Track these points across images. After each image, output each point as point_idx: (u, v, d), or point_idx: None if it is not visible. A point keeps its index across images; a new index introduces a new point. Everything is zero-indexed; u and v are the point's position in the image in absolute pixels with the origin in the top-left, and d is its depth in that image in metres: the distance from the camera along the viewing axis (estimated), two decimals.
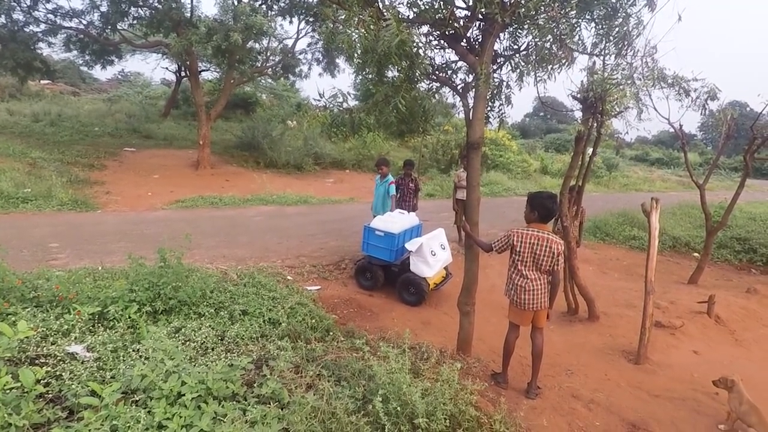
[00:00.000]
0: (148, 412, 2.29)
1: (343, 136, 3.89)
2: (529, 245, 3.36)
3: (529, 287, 3.40)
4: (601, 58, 4.03)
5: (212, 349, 3.31)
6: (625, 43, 3.59)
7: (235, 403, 2.52)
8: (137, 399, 2.42)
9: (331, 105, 3.73)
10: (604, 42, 3.63)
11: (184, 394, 2.40)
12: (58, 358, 2.77)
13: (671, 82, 6.81)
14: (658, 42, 5.38)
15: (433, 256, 5.51)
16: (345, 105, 3.79)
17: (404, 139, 20.30)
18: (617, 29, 3.45)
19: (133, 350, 2.99)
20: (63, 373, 2.57)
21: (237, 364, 2.84)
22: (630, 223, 10.86)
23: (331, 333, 4.11)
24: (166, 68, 21.62)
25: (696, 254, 8.97)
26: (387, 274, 5.86)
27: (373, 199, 7.28)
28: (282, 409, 2.54)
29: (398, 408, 2.54)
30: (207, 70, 20.43)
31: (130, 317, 3.53)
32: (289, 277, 5.81)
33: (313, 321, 4.24)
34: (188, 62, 13.52)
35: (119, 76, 30.81)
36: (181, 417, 2.28)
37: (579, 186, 5.47)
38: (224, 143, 16.97)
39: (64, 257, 5.88)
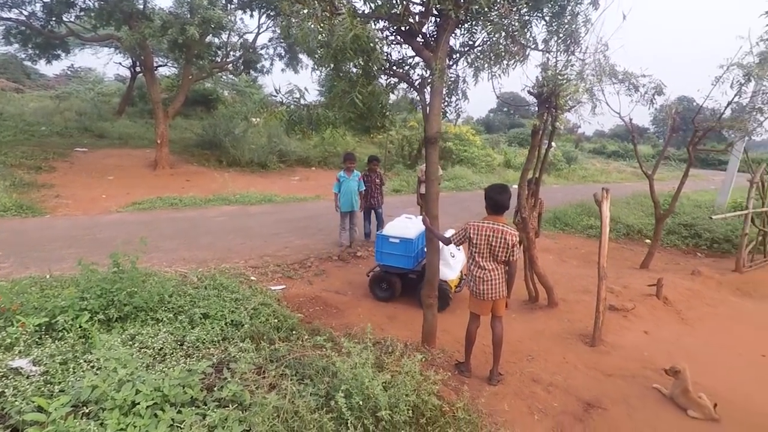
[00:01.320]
0: (101, 424, 2.21)
1: (302, 132, 3.84)
2: (484, 237, 3.44)
3: (486, 278, 3.48)
4: (553, 54, 4.15)
5: (171, 355, 3.22)
6: (573, 40, 3.71)
7: (194, 408, 2.47)
8: (88, 411, 2.33)
9: (288, 101, 3.68)
10: (554, 39, 3.74)
11: (138, 403, 2.33)
12: (0, 374, 2.62)
13: (622, 77, 7.15)
14: (608, 39, 5.62)
15: (453, 258, 5.39)
16: (302, 101, 3.75)
17: (370, 135, 20.28)
18: (566, 27, 3.56)
19: (85, 361, 2.87)
20: (5, 390, 2.44)
21: (196, 368, 2.78)
22: (588, 213, 11.28)
23: (295, 332, 4.08)
24: (120, 63, 20.70)
25: (648, 240, 9.42)
26: (404, 282, 5.57)
27: (338, 197, 7.24)
28: (244, 412, 2.51)
29: (361, 402, 2.55)
30: (164, 66, 19.72)
31: (81, 327, 3.38)
32: (252, 278, 5.71)
33: (277, 321, 4.19)
34: (143, 57, 12.98)
35: (68, 72, 29.16)
36: (135, 427, 2.22)
37: (536, 178, 5.63)
38: (184, 142, 16.43)
39: (7, 266, 5.55)
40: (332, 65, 3.47)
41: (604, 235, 4.53)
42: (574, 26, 3.56)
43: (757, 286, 6.83)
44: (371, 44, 3.04)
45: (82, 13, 12.27)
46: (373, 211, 7.86)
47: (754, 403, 3.55)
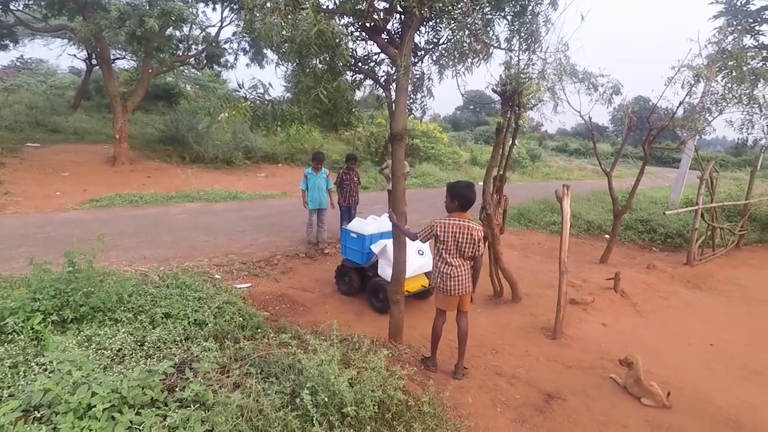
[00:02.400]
0: (53, 428, 2.12)
1: (267, 128, 3.79)
2: (451, 234, 3.48)
3: (454, 274, 3.53)
4: (515, 53, 4.25)
5: (130, 356, 3.12)
6: (534, 39, 3.82)
7: (154, 409, 2.40)
8: (40, 416, 2.23)
9: (252, 96, 3.62)
10: (516, 38, 3.83)
11: (94, 406, 2.24)
12: None
13: (582, 77, 7.40)
14: (568, 39, 5.79)
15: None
16: (267, 96, 3.70)
17: (337, 132, 20.19)
18: (527, 26, 3.65)
19: (36, 364, 2.74)
20: None
21: (156, 369, 2.70)
22: (551, 209, 11.61)
23: (261, 330, 4.04)
24: (74, 55, 19.76)
25: (607, 236, 9.80)
26: (362, 278, 5.54)
27: (306, 194, 7.17)
28: (206, 411, 2.46)
29: (326, 399, 2.55)
30: (122, 58, 18.97)
31: (32, 329, 3.23)
32: (217, 276, 5.60)
33: (242, 319, 4.13)
34: (99, 49, 12.43)
35: (17, 63, 27.51)
36: (91, 430, 2.13)
37: (501, 175, 5.77)
38: (145, 137, 15.88)
39: None
40: (297, 60, 3.44)
41: (565, 231, 4.69)
42: (534, 26, 3.66)
43: (705, 278, 7.23)
44: (336, 40, 3.03)
45: (31, 2, 11.63)
46: (350, 210, 7.82)
47: (701, 390, 3.76)
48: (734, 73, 6.72)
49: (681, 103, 7.00)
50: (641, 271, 7.11)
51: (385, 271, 4.99)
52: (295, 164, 17.26)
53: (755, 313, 5.87)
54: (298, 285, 5.86)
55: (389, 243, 4.85)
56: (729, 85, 6.72)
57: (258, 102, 3.66)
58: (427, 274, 5.36)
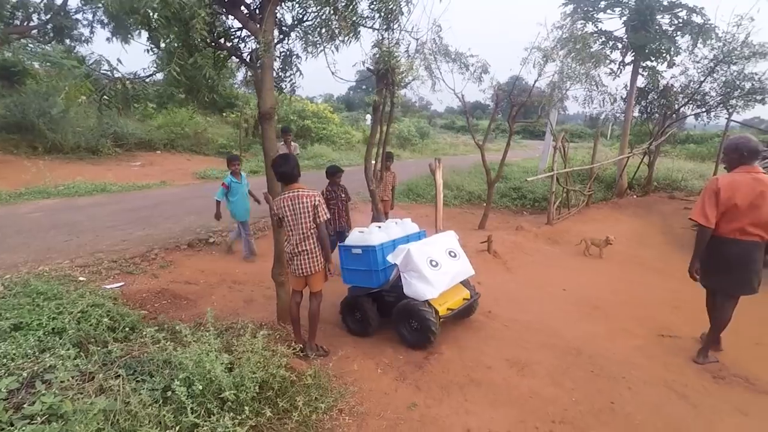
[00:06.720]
0: None
1: (118, 109, 3.44)
2: (287, 207, 3.39)
3: (295, 252, 3.47)
4: (381, 32, 4.37)
5: None
6: (392, 18, 3.95)
7: None
8: None
9: (96, 73, 3.24)
10: (376, 16, 3.93)
11: None
12: None
13: (454, 57, 7.85)
14: (438, 21, 6.08)
15: (433, 267, 3.93)
16: (116, 73, 3.34)
17: (222, 114, 19.08)
18: (385, 5, 3.76)
19: None
20: None
21: None
22: None
23: (136, 330, 3.76)
24: None
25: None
26: (381, 306, 4.17)
27: (227, 205, 6.31)
28: (65, 423, 2.26)
29: (201, 388, 2.49)
30: None
31: None
32: (81, 278, 5.02)
33: (112, 321, 3.78)
34: None
35: None
36: None
37: (384, 151, 5.98)
38: None
39: None
40: (148, 35, 3.16)
41: (439, 201, 5.05)
42: (393, 5, 3.78)
43: (562, 234, 8.32)
44: (187, 12, 2.82)
45: None
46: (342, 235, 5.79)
47: (554, 328, 4.40)
48: (577, 56, 7.69)
49: (535, 81, 7.85)
50: (511, 232, 7.95)
51: (414, 287, 3.83)
52: (176, 151, 15.94)
53: (599, 261, 6.93)
54: (180, 278, 5.52)
55: (413, 248, 3.89)
56: (572, 65, 7.67)
57: (105, 81, 3.29)
58: (464, 283, 4.39)
